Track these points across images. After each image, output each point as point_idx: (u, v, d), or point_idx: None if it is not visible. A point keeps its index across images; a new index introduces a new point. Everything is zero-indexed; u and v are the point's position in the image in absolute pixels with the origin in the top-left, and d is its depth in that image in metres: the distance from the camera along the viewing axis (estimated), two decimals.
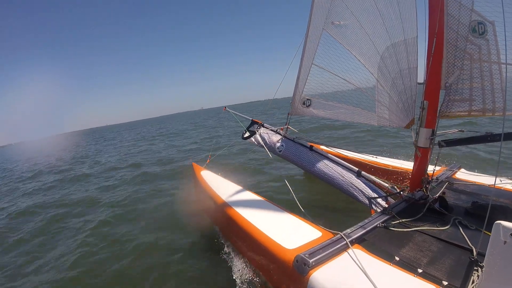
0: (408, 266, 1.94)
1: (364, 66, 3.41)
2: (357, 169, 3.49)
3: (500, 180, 3.39)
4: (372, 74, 3.38)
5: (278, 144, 4.23)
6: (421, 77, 2.99)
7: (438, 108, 2.88)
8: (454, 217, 2.54)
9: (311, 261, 2.01)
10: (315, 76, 3.80)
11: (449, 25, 2.68)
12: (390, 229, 2.44)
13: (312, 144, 4.02)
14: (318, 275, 1.96)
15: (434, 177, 3.45)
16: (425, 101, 2.88)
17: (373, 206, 3.12)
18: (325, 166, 3.64)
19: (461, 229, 2.33)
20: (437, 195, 2.93)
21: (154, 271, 3.77)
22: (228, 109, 5.39)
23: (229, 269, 3.37)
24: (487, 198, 2.93)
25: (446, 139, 3.07)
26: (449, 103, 2.85)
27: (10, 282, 4.12)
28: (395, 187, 3.37)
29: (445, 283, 1.73)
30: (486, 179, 3.59)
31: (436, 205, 2.78)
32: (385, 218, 2.61)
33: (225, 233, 3.80)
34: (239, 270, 3.25)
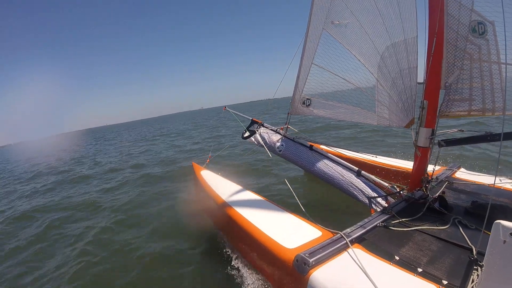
0: (408, 265, 1.94)
1: (364, 65, 3.42)
2: (357, 168, 3.49)
3: (500, 180, 3.39)
4: (372, 73, 3.38)
5: (278, 144, 4.24)
6: (421, 76, 2.99)
7: (438, 108, 2.88)
8: (453, 216, 2.54)
9: (311, 260, 2.01)
10: (315, 76, 3.80)
11: (449, 25, 2.68)
12: (390, 229, 2.44)
13: (312, 143, 4.02)
14: (318, 274, 1.97)
15: (434, 177, 3.46)
16: (425, 101, 2.88)
17: (373, 205, 3.12)
18: (325, 165, 3.64)
19: (460, 229, 2.33)
20: (436, 195, 2.93)
21: (153, 273, 3.76)
22: (228, 109, 5.40)
23: (229, 269, 3.37)
24: (487, 198, 2.93)
25: (446, 138, 3.07)
26: (449, 103, 2.85)
27: None
28: (395, 186, 3.37)
29: (445, 282, 1.73)
30: (485, 179, 3.59)
31: (436, 205, 2.79)
32: (385, 217, 2.61)
33: (225, 232, 3.80)
34: (239, 270, 3.25)
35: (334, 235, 2.38)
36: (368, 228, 2.44)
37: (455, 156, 6.45)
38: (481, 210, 2.52)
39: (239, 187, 3.97)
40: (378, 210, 2.98)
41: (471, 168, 4.32)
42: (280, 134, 4.36)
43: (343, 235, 2.31)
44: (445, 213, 2.66)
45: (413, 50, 3.09)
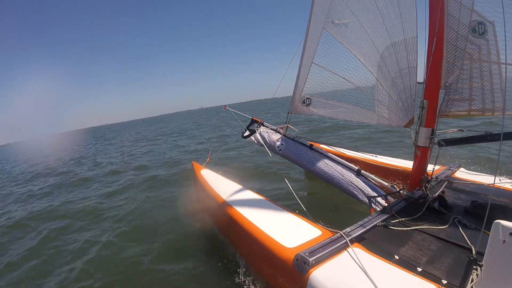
0: (408, 265, 1.95)
1: (364, 65, 3.42)
2: (356, 168, 3.50)
3: (500, 180, 3.39)
4: (371, 73, 3.39)
5: (278, 143, 4.24)
6: (421, 76, 3.00)
7: (438, 108, 2.89)
8: (453, 216, 2.55)
9: (311, 259, 2.01)
10: (315, 75, 3.81)
11: (449, 25, 2.68)
12: (389, 228, 2.44)
13: (312, 143, 4.03)
14: (318, 273, 1.97)
15: (434, 176, 3.46)
16: (424, 101, 2.89)
17: (372, 205, 3.13)
18: (325, 165, 3.64)
19: (460, 228, 2.34)
20: (436, 194, 2.94)
21: (150, 270, 3.77)
22: (227, 108, 5.40)
23: (229, 268, 3.38)
24: (487, 197, 2.93)
25: (446, 138, 3.07)
26: (449, 103, 2.86)
27: None
28: (395, 186, 3.38)
29: (444, 281, 1.73)
30: (485, 178, 3.60)
31: (436, 204, 2.79)
32: (385, 217, 2.62)
33: (224, 232, 3.80)
34: (239, 269, 3.25)
35: (334, 235, 2.38)
36: (367, 227, 2.44)
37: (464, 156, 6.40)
38: (480, 209, 2.52)
39: (239, 186, 3.97)
40: (378, 209, 2.98)
41: (471, 168, 4.32)
42: (280, 134, 4.36)
43: (343, 235, 2.31)
44: (445, 213, 2.66)
45: (413, 49, 3.09)
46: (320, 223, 2.69)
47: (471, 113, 2.82)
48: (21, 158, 25.42)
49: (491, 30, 2.59)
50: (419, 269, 1.86)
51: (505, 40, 2.28)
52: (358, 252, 2.13)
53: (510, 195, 2.98)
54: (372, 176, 3.43)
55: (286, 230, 2.66)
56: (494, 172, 2.74)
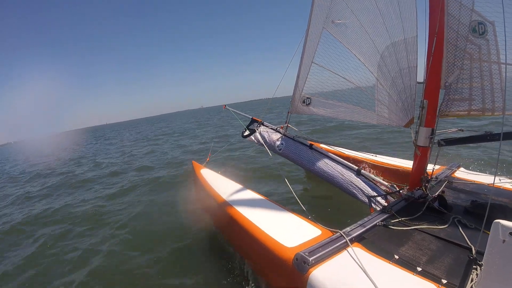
0: (407, 264, 1.95)
1: (364, 65, 3.42)
2: (356, 167, 3.50)
3: (500, 179, 3.40)
4: (372, 73, 3.39)
5: (278, 143, 4.24)
6: (421, 76, 3.00)
7: (438, 108, 2.89)
8: (453, 216, 2.55)
9: (310, 259, 2.02)
10: (315, 75, 3.81)
11: (450, 25, 2.68)
12: (389, 228, 2.44)
13: (311, 142, 4.03)
14: (317, 273, 1.97)
15: (434, 176, 3.46)
16: (424, 100, 2.89)
17: (372, 204, 3.13)
18: (324, 164, 3.65)
19: (460, 228, 2.34)
20: (436, 194, 2.94)
21: (150, 270, 3.77)
22: (228, 107, 5.40)
23: (228, 268, 3.38)
24: (486, 197, 2.94)
25: (446, 138, 3.08)
26: (449, 103, 2.86)
27: None
28: (395, 185, 3.38)
29: (444, 281, 1.74)
30: (485, 178, 3.60)
31: (436, 204, 2.79)
32: (385, 216, 2.62)
33: (224, 231, 3.80)
34: (238, 268, 3.26)
35: (333, 234, 2.38)
36: (367, 227, 2.44)
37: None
38: (480, 209, 2.52)
39: (239, 186, 3.97)
40: (378, 209, 2.98)
41: (471, 167, 4.32)
42: (280, 133, 4.36)
43: (343, 234, 2.31)
44: (445, 213, 2.66)
45: (413, 49, 3.09)
46: (320, 223, 2.69)
47: (471, 113, 2.82)
48: (21, 157, 25.17)
49: (491, 30, 2.59)
50: (419, 269, 1.87)
51: (505, 40, 2.28)
52: (358, 251, 2.13)
53: (510, 195, 2.98)
54: (372, 175, 3.43)
55: (286, 230, 2.66)
56: (494, 172, 2.74)
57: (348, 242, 2.22)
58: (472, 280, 1.67)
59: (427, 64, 2.83)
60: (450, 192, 3.23)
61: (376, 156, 4.82)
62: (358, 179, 3.38)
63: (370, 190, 3.27)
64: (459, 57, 2.72)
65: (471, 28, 2.63)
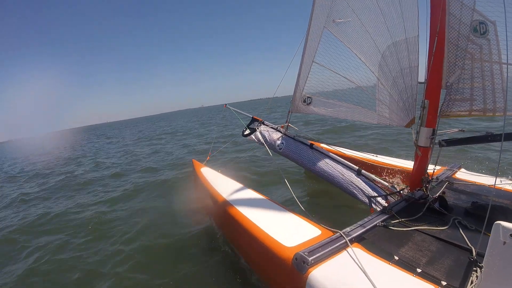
0: (407, 265, 1.94)
1: (365, 64, 3.41)
2: (357, 167, 3.49)
3: (500, 181, 3.39)
4: (373, 72, 3.38)
5: (279, 142, 4.24)
6: (422, 76, 2.99)
7: (439, 108, 2.88)
8: (453, 217, 2.54)
9: (310, 259, 2.01)
10: (316, 74, 3.80)
11: (451, 25, 2.67)
12: (389, 228, 2.43)
13: (312, 142, 4.03)
14: (317, 273, 1.96)
15: (434, 177, 3.45)
16: (426, 100, 2.87)
17: (372, 205, 3.12)
18: (325, 164, 3.64)
19: (460, 229, 2.33)
20: (437, 195, 2.93)
21: (151, 270, 3.77)
22: (228, 106, 5.41)
23: (228, 267, 3.38)
24: (487, 199, 2.93)
25: (447, 138, 3.07)
26: (450, 103, 2.84)
27: None
28: (395, 186, 3.37)
29: (444, 283, 1.73)
30: (486, 179, 3.59)
31: (436, 205, 2.78)
32: (385, 217, 2.61)
33: (224, 230, 3.80)
34: (238, 268, 3.26)
35: (333, 234, 2.38)
36: (367, 227, 2.43)
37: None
38: (481, 211, 2.51)
39: (239, 185, 3.97)
40: (378, 209, 2.98)
41: (472, 168, 4.31)
42: (281, 132, 4.36)
43: (343, 234, 2.31)
44: (445, 214, 2.65)
45: (414, 49, 3.08)
46: (320, 223, 2.69)
47: (472, 113, 2.81)
48: (20, 156, 24.64)
49: (493, 30, 2.58)
50: (419, 270, 1.86)
51: (507, 40, 2.27)
52: (357, 252, 2.13)
53: (511, 196, 2.97)
54: (373, 176, 3.42)
55: (286, 229, 2.65)
56: (495, 173, 2.73)
57: (348, 242, 2.21)
58: (472, 282, 1.66)
59: (428, 64, 2.82)
60: (450, 193, 3.23)
61: (376, 156, 4.82)
62: (359, 179, 3.37)
63: (370, 190, 3.26)
64: (460, 57, 2.71)
65: (472, 27, 2.62)
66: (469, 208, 2.70)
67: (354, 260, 2.01)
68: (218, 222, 4.04)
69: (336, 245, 2.19)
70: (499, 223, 1.42)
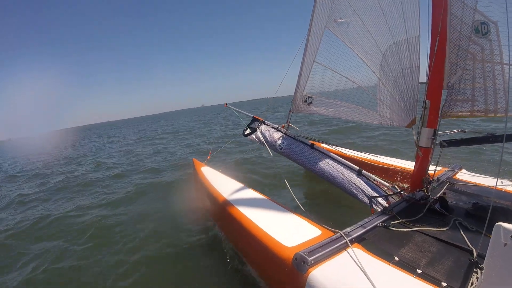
0: (408, 266, 1.93)
1: (366, 64, 3.40)
2: (357, 167, 3.48)
3: (502, 182, 3.38)
4: (374, 72, 3.37)
5: (279, 142, 4.24)
6: (423, 76, 2.98)
7: (440, 108, 2.87)
8: (454, 218, 2.53)
9: (310, 259, 2.01)
10: (317, 74, 3.79)
11: (452, 25, 2.66)
12: (390, 229, 2.43)
13: (313, 142, 4.02)
14: (317, 273, 1.96)
15: (435, 178, 3.45)
16: (427, 101, 2.87)
17: (373, 205, 3.12)
18: (326, 164, 3.64)
19: (461, 231, 2.32)
20: (437, 196, 2.92)
21: (151, 270, 3.77)
22: (229, 106, 5.41)
23: (228, 267, 3.38)
24: (488, 200, 2.92)
25: (448, 139, 3.06)
26: (451, 103, 2.84)
27: None
28: (396, 186, 3.36)
29: (444, 284, 1.72)
30: (487, 181, 3.58)
31: (437, 206, 2.77)
32: (385, 217, 2.60)
33: (224, 229, 3.80)
34: (238, 268, 3.25)
35: (333, 234, 2.37)
36: (368, 228, 2.43)
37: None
38: (482, 212, 2.50)
39: (239, 184, 3.97)
40: (379, 210, 2.97)
41: (473, 169, 4.30)
42: (281, 132, 4.36)
43: (343, 235, 2.30)
44: (446, 215, 2.64)
45: (415, 49, 3.07)
46: (320, 223, 2.68)
47: (474, 114, 2.80)
48: (20, 155, 24.24)
49: (494, 30, 2.57)
50: (419, 271, 1.85)
51: (508, 41, 2.26)
52: (358, 252, 2.12)
53: None
54: (373, 176, 3.42)
55: (286, 229, 2.65)
56: (496, 174, 2.72)
57: (348, 242, 2.21)
58: (472, 284, 1.66)
59: (430, 64, 2.81)
60: (451, 194, 3.22)
61: (377, 156, 4.81)
62: (359, 180, 3.37)
63: (371, 190, 3.25)
64: (461, 57, 2.70)
65: (474, 28, 2.61)
66: (470, 209, 2.69)
67: (354, 261, 2.01)
68: (218, 222, 4.04)
69: (336, 245, 2.18)
70: (500, 225, 1.42)
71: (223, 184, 4.07)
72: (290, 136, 4.22)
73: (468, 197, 3.12)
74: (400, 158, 4.85)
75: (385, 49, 3.24)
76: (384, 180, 3.41)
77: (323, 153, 3.79)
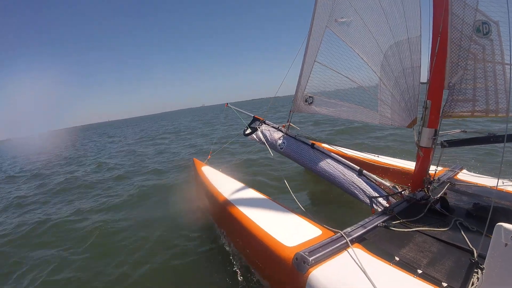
0: (408, 266, 1.93)
1: (367, 64, 3.39)
2: (358, 167, 3.48)
3: (503, 182, 3.37)
4: (375, 72, 3.36)
5: (280, 141, 4.23)
6: (424, 76, 2.98)
7: (441, 108, 2.86)
8: (455, 218, 2.53)
9: (310, 259, 2.01)
10: (318, 74, 3.79)
11: (454, 25, 2.66)
12: (390, 229, 2.43)
13: (313, 142, 4.02)
14: (317, 273, 1.96)
15: (436, 178, 3.44)
16: (428, 101, 2.86)
17: (374, 205, 3.11)
18: (326, 164, 3.63)
19: (462, 231, 2.32)
20: (438, 196, 2.91)
21: (150, 269, 3.77)
22: (229, 106, 5.41)
23: (228, 266, 3.37)
24: (489, 200, 2.92)
25: (449, 139, 3.06)
26: (452, 103, 2.83)
27: None
28: (397, 186, 3.35)
29: (444, 284, 1.72)
30: (488, 181, 3.57)
31: (437, 206, 2.77)
32: (386, 217, 2.60)
33: (224, 229, 3.80)
34: (238, 267, 3.25)
35: (334, 234, 2.37)
36: (368, 228, 2.42)
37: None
38: (483, 212, 2.50)
39: (240, 184, 3.97)
40: (379, 210, 2.97)
41: (474, 169, 4.29)
42: (282, 132, 4.36)
43: (343, 235, 2.30)
44: (447, 215, 2.64)
45: (416, 49, 3.06)
46: (320, 223, 2.68)
47: (475, 114, 2.80)
48: (20, 155, 23.96)
49: (496, 30, 2.57)
50: (420, 271, 1.85)
51: (510, 41, 2.26)
52: (358, 252, 2.12)
53: None
54: (374, 176, 3.41)
55: (286, 229, 2.65)
56: (497, 174, 2.72)
57: (349, 242, 2.21)
58: (473, 284, 1.65)
59: (431, 64, 2.80)
60: (452, 194, 3.21)
61: (378, 156, 4.81)
62: (360, 180, 3.36)
63: (371, 190, 3.25)
64: (463, 57, 2.70)
65: (475, 28, 2.61)
66: (471, 210, 2.68)
67: (354, 261, 2.01)
68: (218, 221, 4.04)
69: (337, 245, 2.18)
70: (501, 225, 1.41)
71: (224, 183, 4.07)
72: (290, 136, 4.21)
73: (469, 197, 3.11)
74: (407, 159, 4.83)
75: (386, 48, 3.24)
76: (384, 180, 3.40)
77: (323, 153, 3.78)
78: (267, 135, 4.42)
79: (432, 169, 3.22)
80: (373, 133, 11.48)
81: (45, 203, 7.60)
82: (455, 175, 3.84)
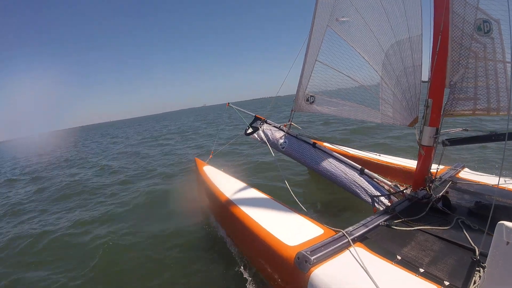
0: (410, 265, 1.93)
1: (368, 63, 3.39)
2: (360, 166, 3.47)
3: (504, 180, 3.36)
4: (376, 71, 3.36)
5: (281, 141, 4.23)
6: (425, 75, 2.97)
7: (442, 107, 2.86)
8: (457, 216, 2.53)
9: (312, 258, 2.01)
10: (319, 73, 3.78)
11: (455, 23, 2.66)
12: (392, 228, 2.43)
13: (315, 141, 4.01)
14: (319, 272, 1.97)
15: (438, 176, 3.43)
16: (429, 100, 2.86)
17: (375, 204, 3.11)
18: (328, 163, 3.63)
19: (463, 229, 2.32)
20: (440, 194, 2.91)
21: (152, 267, 3.78)
22: (231, 105, 5.40)
23: (230, 266, 3.38)
24: (491, 198, 2.91)
25: (450, 138, 3.05)
26: (454, 102, 2.83)
27: None
28: (398, 185, 3.35)
29: (446, 283, 1.72)
30: (489, 179, 3.56)
31: (439, 205, 2.77)
32: (388, 216, 2.60)
33: (226, 228, 3.81)
34: (240, 267, 3.26)
35: (336, 234, 2.38)
36: (370, 227, 2.43)
37: None
38: (484, 210, 2.50)
39: (241, 184, 3.98)
40: (381, 209, 2.96)
41: (476, 168, 4.28)
42: (283, 131, 4.35)
43: (345, 234, 2.30)
44: (448, 213, 2.64)
45: (417, 48, 3.06)
46: (322, 222, 2.68)
47: (476, 112, 2.80)
48: (21, 156, 23.44)
49: (496, 28, 2.57)
50: (421, 270, 1.85)
51: (511, 39, 2.26)
52: (360, 251, 2.12)
53: None
54: (376, 175, 3.41)
55: (288, 228, 2.66)
56: (498, 172, 2.71)
57: (351, 241, 2.21)
58: (475, 282, 1.65)
59: (432, 62, 2.80)
60: (454, 193, 3.21)
61: (380, 155, 4.80)
62: (362, 179, 3.36)
63: (373, 189, 3.24)
64: (464, 55, 2.69)
65: (476, 26, 2.61)
66: (473, 208, 2.68)
67: (356, 260, 2.01)
68: (220, 220, 4.04)
69: (339, 244, 2.18)
70: (503, 223, 1.41)
71: (225, 183, 4.08)
72: (292, 135, 4.21)
73: (471, 195, 3.11)
74: (409, 158, 4.81)
75: (388, 47, 3.23)
76: (386, 179, 3.40)
77: (325, 152, 3.78)
78: (269, 134, 4.41)
79: (434, 167, 3.21)
80: (390, 133, 10.83)
81: (44, 212, 7.00)
82: (457, 173, 3.84)
